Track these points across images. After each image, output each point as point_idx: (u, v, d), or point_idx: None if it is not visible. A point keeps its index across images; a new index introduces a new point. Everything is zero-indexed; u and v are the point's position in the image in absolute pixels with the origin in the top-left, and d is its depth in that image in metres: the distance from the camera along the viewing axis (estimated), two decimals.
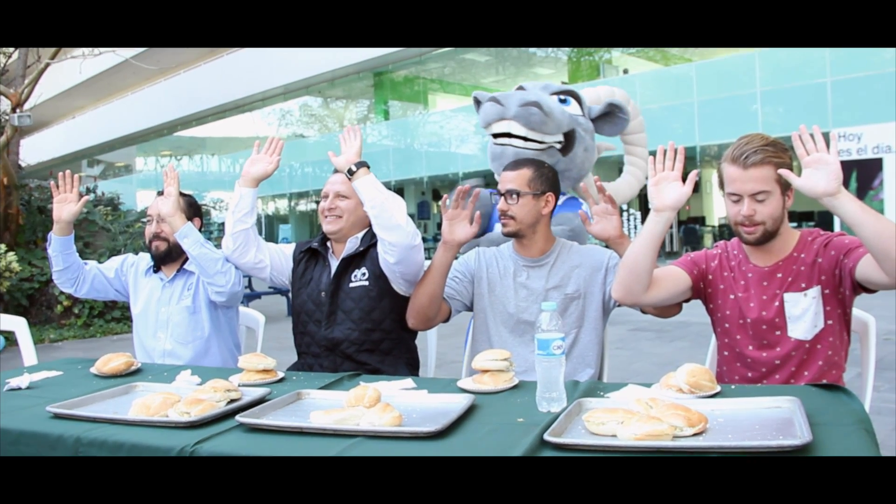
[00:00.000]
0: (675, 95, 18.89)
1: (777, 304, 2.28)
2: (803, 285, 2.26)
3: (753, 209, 2.21)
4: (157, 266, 3.20)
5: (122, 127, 35.46)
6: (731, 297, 2.36)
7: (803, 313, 2.26)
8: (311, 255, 2.95)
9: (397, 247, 2.61)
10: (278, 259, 2.98)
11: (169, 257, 3.14)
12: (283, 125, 34.17)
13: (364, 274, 2.80)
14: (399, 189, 28.64)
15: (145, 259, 3.26)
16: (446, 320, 2.78)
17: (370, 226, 2.75)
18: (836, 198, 2.00)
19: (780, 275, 2.29)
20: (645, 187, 2.59)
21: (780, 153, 2.20)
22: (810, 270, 2.26)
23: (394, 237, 2.60)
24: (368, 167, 2.66)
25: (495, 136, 3.59)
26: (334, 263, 2.87)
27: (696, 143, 18.97)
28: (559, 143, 3.56)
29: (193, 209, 3.16)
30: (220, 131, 35.60)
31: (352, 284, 2.80)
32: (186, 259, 3.09)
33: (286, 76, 27.49)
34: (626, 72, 23.35)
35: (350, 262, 2.83)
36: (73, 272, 3.16)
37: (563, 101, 3.65)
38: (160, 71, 29.85)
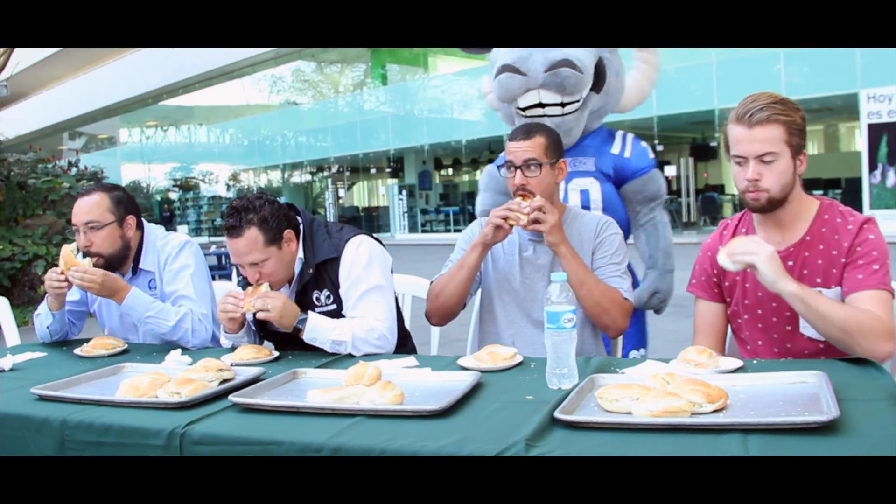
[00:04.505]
0: (691, 55, 18.73)
1: None
2: (818, 280, 2.18)
3: (759, 172, 2.12)
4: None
5: (105, 97, 35.41)
6: (746, 285, 2.29)
7: None
8: None
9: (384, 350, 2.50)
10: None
11: (111, 267, 2.82)
12: (275, 92, 34.10)
13: (328, 297, 2.62)
14: (399, 158, 28.61)
15: None
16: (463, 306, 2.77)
17: (304, 245, 2.62)
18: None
19: (790, 262, 2.19)
20: None
21: (789, 111, 2.11)
22: (828, 267, 2.17)
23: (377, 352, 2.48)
24: (302, 326, 2.46)
25: (523, 108, 3.35)
26: (285, 290, 2.65)
27: (715, 106, 18.88)
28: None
29: (124, 205, 2.86)
30: (209, 99, 35.51)
31: (318, 310, 2.60)
32: (139, 256, 2.90)
33: None
34: None
35: (306, 288, 2.64)
36: (63, 332, 2.96)
37: None
38: None
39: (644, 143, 3.53)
